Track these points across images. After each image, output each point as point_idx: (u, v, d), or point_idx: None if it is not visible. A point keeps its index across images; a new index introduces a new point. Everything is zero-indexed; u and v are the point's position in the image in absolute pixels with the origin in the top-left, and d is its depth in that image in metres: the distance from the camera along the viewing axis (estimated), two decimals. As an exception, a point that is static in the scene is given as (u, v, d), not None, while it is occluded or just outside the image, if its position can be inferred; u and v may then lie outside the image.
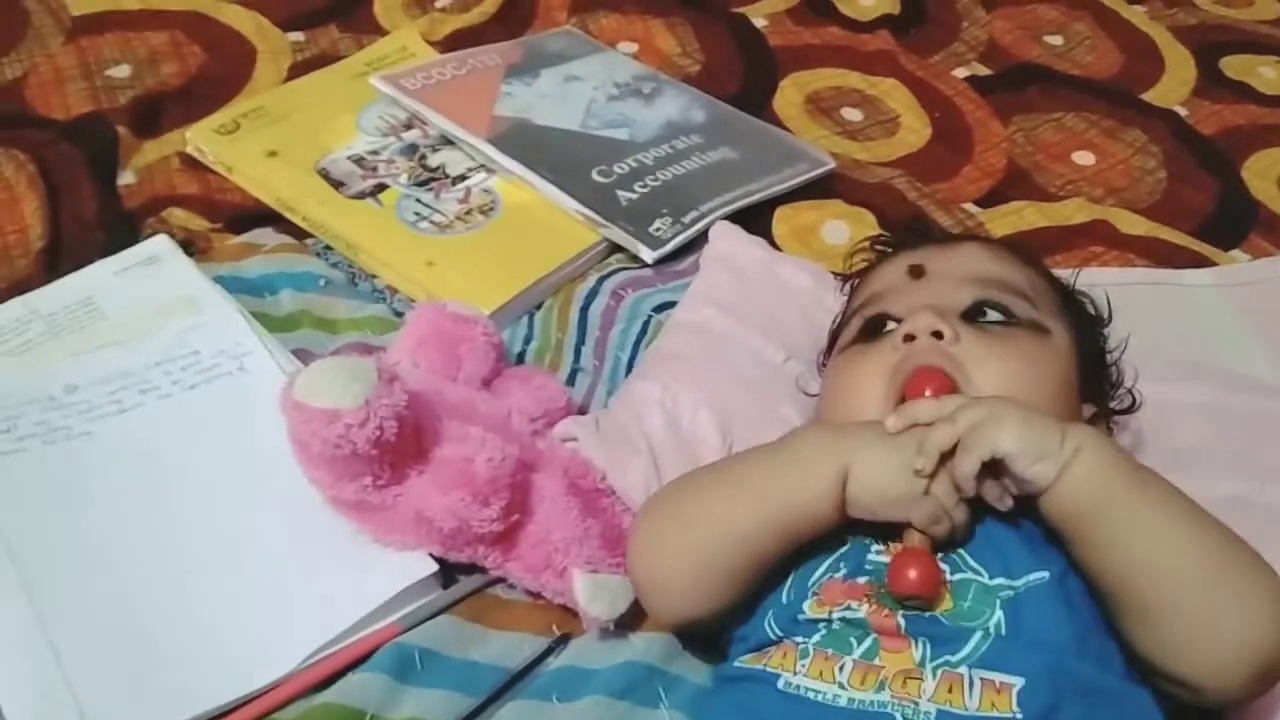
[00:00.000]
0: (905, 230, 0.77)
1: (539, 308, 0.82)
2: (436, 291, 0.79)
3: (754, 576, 0.55)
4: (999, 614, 0.50)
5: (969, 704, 0.47)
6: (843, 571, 0.54)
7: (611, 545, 0.62)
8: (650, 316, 0.80)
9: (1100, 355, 0.67)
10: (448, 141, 0.92)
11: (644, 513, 0.61)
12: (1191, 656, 0.49)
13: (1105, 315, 0.69)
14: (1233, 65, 1.14)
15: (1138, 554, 0.50)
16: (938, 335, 0.58)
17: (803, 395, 0.71)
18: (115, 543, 0.63)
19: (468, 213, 0.87)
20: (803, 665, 0.50)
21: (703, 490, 0.58)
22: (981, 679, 0.48)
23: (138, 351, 0.74)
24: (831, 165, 0.95)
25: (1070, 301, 0.67)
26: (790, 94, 1.06)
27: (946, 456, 0.52)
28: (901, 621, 0.50)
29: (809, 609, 0.53)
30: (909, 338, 0.59)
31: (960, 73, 1.11)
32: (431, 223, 0.86)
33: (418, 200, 0.87)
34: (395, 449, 0.59)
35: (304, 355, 0.75)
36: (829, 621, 0.52)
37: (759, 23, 1.15)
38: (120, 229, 0.85)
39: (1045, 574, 0.51)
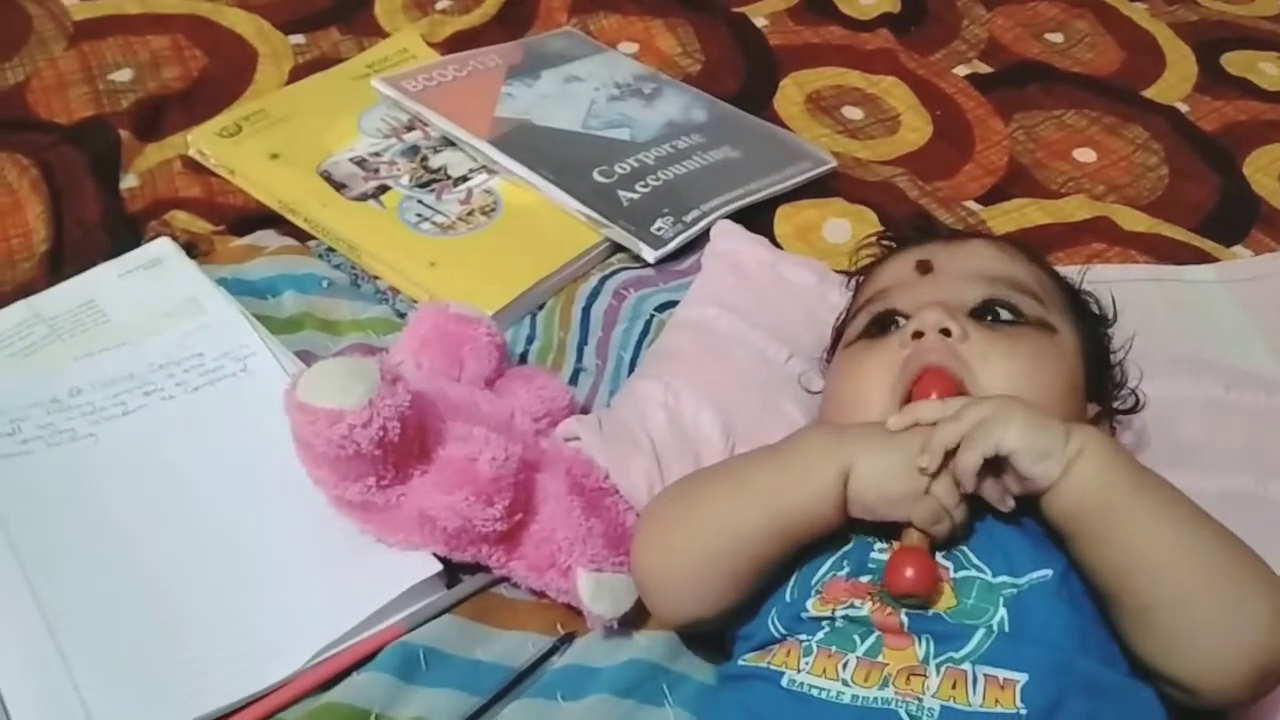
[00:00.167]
0: (911, 226, 0.77)
1: (541, 308, 0.82)
2: (439, 292, 0.79)
3: (757, 577, 0.55)
4: (1002, 611, 0.50)
5: (973, 700, 0.47)
6: (846, 570, 0.54)
7: (615, 544, 0.62)
8: (652, 316, 0.80)
9: (1105, 355, 0.67)
10: (449, 143, 0.93)
11: (647, 513, 0.61)
12: (1190, 658, 0.49)
13: (1110, 314, 0.69)
14: (1234, 61, 1.13)
15: (1138, 555, 0.50)
16: (945, 332, 0.58)
17: (806, 394, 0.71)
18: (120, 544, 0.63)
19: (469, 214, 0.87)
20: (806, 663, 0.51)
21: (706, 491, 0.58)
22: (985, 675, 0.48)
23: (141, 354, 0.74)
24: (833, 164, 0.95)
25: (1076, 301, 0.67)
26: (791, 93, 1.06)
27: (949, 456, 0.52)
28: (905, 619, 0.50)
29: (812, 607, 0.53)
30: (917, 334, 0.59)
31: (961, 71, 1.11)
32: (433, 224, 0.86)
33: (419, 201, 0.87)
34: (399, 449, 0.59)
35: (307, 357, 0.75)
36: (832, 619, 0.52)
37: (759, 22, 1.15)
38: (123, 232, 0.85)
39: (1049, 572, 0.51)
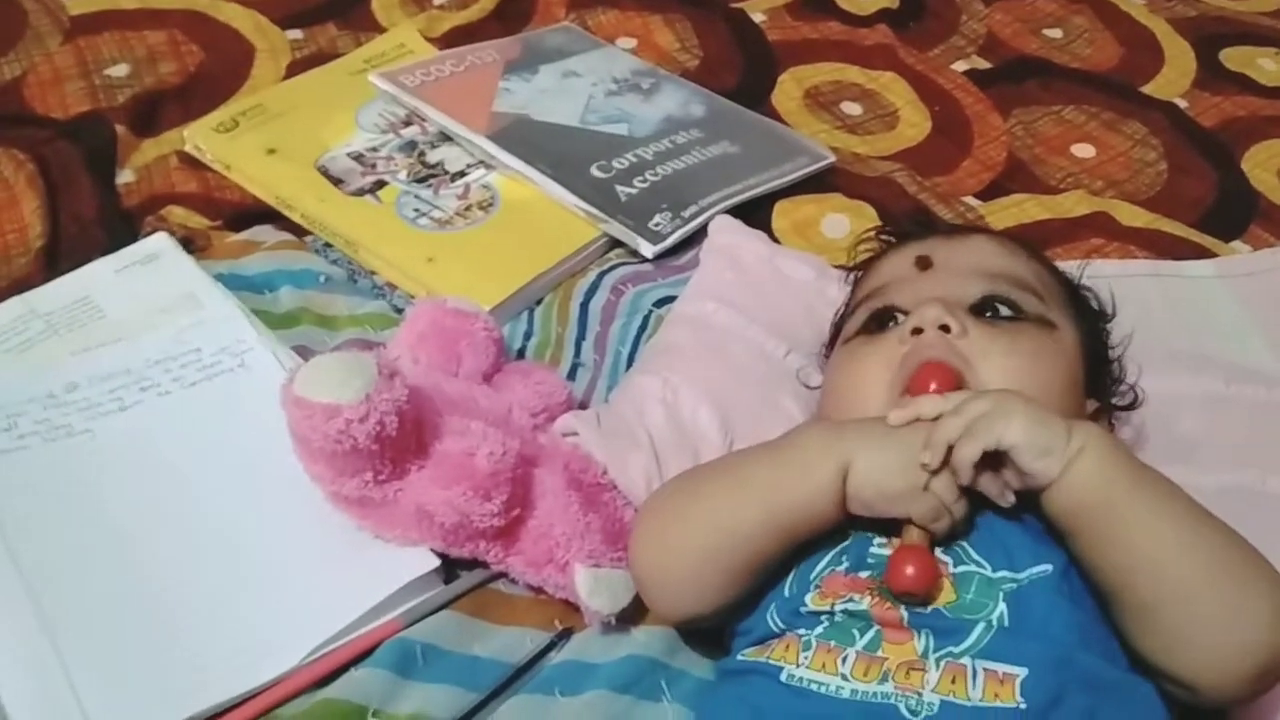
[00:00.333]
0: (911, 221, 0.77)
1: (539, 303, 0.82)
2: (436, 287, 0.79)
3: (756, 573, 0.55)
4: (1001, 606, 0.50)
5: (972, 694, 0.47)
6: (845, 564, 0.54)
7: (613, 540, 0.62)
8: (651, 311, 0.80)
9: (1104, 351, 0.67)
10: (447, 138, 0.92)
11: (646, 510, 0.61)
12: (1190, 655, 0.49)
13: (1110, 310, 0.69)
14: (1232, 57, 1.13)
15: (1138, 552, 0.50)
16: (945, 329, 0.58)
17: (804, 389, 0.71)
18: (116, 540, 0.63)
19: (467, 209, 0.87)
20: (805, 657, 0.50)
21: (705, 488, 0.58)
22: (985, 670, 0.48)
23: (138, 349, 0.74)
24: (831, 159, 0.95)
25: (1076, 297, 0.66)
26: (789, 88, 1.06)
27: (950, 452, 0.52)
28: (904, 614, 0.50)
29: (811, 601, 0.53)
30: (916, 331, 0.58)
31: (959, 66, 1.11)
32: (431, 219, 0.85)
33: (417, 196, 0.87)
34: (396, 444, 0.59)
35: (304, 352, 0.74)
36: (831, 614, 0.52)
37: (757, 18, 1.15)
38: (119, 227, 0.85)
39: (1048, 567, 0.51)
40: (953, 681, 0.48)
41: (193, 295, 0.78)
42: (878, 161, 0.97)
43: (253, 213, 0.87)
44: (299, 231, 0.85)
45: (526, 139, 0.90)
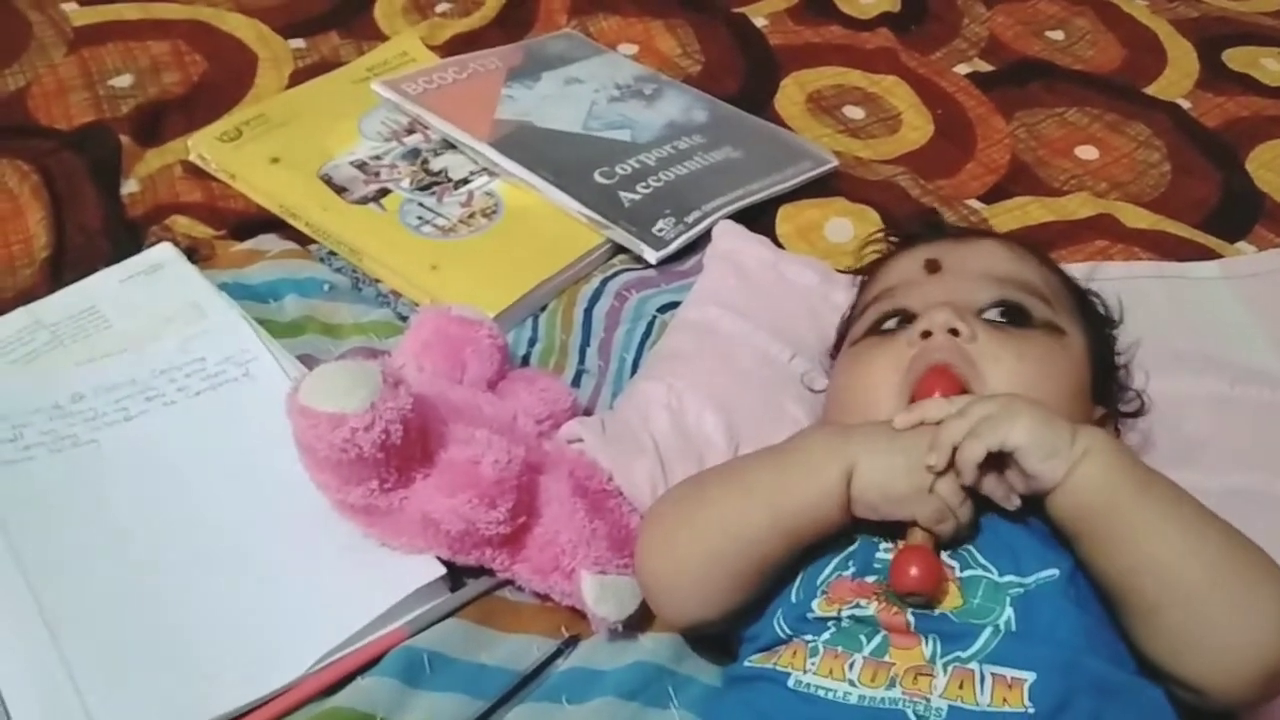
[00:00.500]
0: (920, 224, 0.76)
1: (543, 310, 0.82)
2: (440, 295, 0.79)
3: (762, 578, 0.55)
4: (1009, 611, 0.50)
5: (980, 699, 0.47)
6: (851, 570, 0.53)
7: (619, 546, 0.62)
8: (654, 317, 0.80)
9: (1111, 357, 0.67)
10: (450, 145, 0.92)
11: (652, 516, 0.60)
12: (1197, 659, 0.49)
13: (1117, 316, 0.69)
14: (1235, 57, 1.13)
15: (1144, 555, 0.49)
16: (954, 333, 0.58)
17: (809, 393, 0.71)
18: (123, 550, 0.63)
19: (470, 216, 0.87)
20: (813, 663, 0.50)
21: (710, 494, 0.58)
22: (993, 674, 0.48)
23: (143, 359, 0.74)
24: (834, 163, 0.95)
25: (1084, 303, 0.66)
26: (792, 93, 1.06)
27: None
28: (911, 619, 0.50)
29: (818, 607, 0.52)
30: (925, 334, 0.58)
31: (962, 69, 1.11)
32: (435, 226, 0.86)
33: (420, 204, 0.87)
34: (401, 452, 0.59)
35: (309, 361, 0.74)
36: (838, 619, 0.51)
37: (759, 22, 1.15)
38: (124, 237, 0.85)
39: (1055, 571, 0.51)
40: (960, 686, 0.47)
41: (197, 305, 0.78)
42: (880, 165, 0.97)
43: (257, 222, 0.87)
44: (303, 240, 0.86)
45: (529, 146, 0.90)
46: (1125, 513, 0.50)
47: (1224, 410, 0.72)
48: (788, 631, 0.53)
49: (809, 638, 0.51)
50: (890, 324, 0.62)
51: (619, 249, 0.86)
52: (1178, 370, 0.73)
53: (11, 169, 0.90)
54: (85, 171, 0.90)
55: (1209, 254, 0.89)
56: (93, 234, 0.85)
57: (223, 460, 0.68)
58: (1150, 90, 1.09)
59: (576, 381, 0.76)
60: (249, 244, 0.85)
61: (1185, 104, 1.07)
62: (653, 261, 0.83)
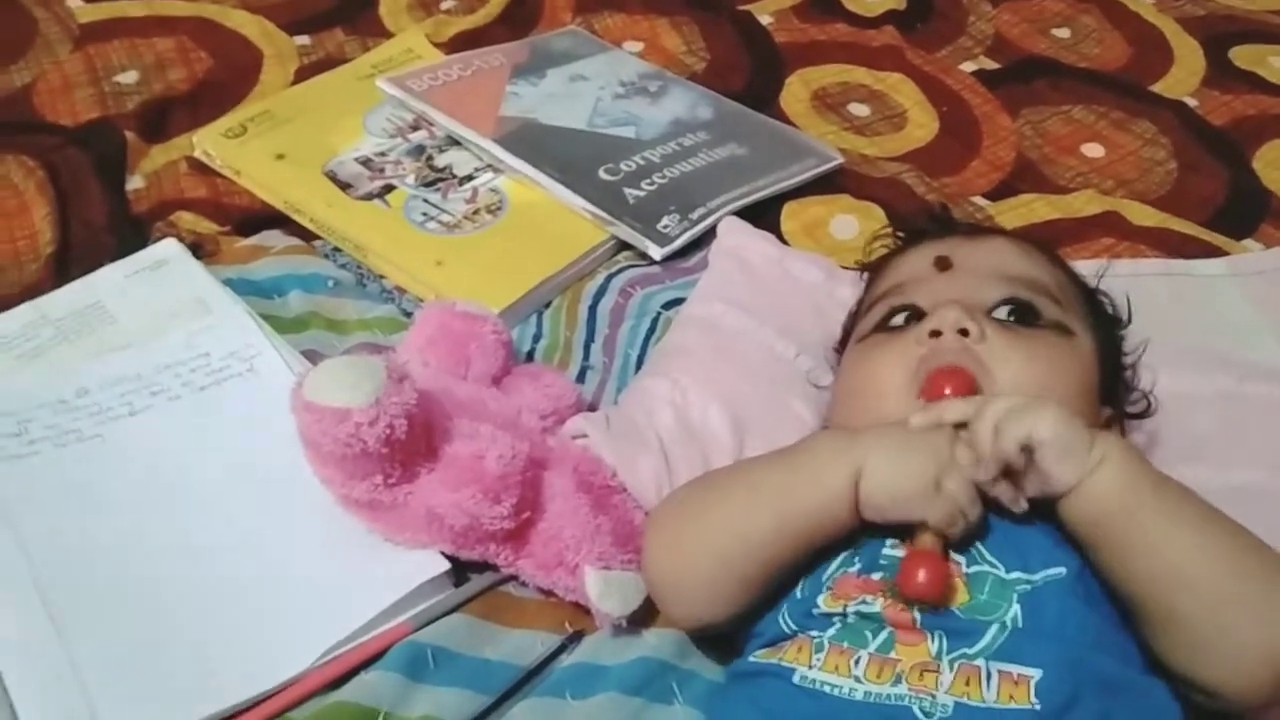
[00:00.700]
0: (930, 219, 0.76)
1: (548, 306, 0.82)
2: (445, 291, 0.79)
3: (769, 580, 0.55)
4: (1016, 607, 0.49)
5: (987, 696, 0.47)
6: (857, 566, 0.53)
7: (623, 542, 0.62)
8: (659, 313, 0.80)
9: (1119, 358, 0.66)
10: (454, 142, 0.92)
11: (658, 515, 0.60)
12: (1213, 664, 0.49)
13: (1125, 316, 0.68)
14: (1242, 55, 1.13)
15: (1159, 562, 0.49)
16: (964, 332, 0.58)
17: (814, 390, 0.71)
18: (127, 544, 0.63)
19: (475, 212, 0.87)
20: (818, 659, 0.50)
21: (716, 494, 0.57)
22: (999, 671, 0.48)
23: (148, 354, 0.74)
24: (839, 160, 0.95)
25: (1093, 303, 0.66)
26: (797, 90, 1.05)
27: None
28: (917, 615, 0.50)
29: (823, 603, 0.52)
30: (935, 333, 0.58)
31: (967, 67, 1.10)
32: (439, 223, 0.85)
33: (425, 201, 0.87)
34: (406, 447, 0.59)
35: (313, 356, 0.74)
36: (844, 615, 0.51)
37: (764, 20, 1.15)
38: (129, 233, 0.85)
39: (1063, 569, 0.51)
40: (967, 683, 0.47)
41: (202, 300, 0.78)
42: (886, 162, 0.97)
43: (261, 218, 0.87)
44: (308, 236, 0.86)
45: (534, 143, 0.90)
46: (1140, 520, 0.50)
47: (1231, 407, 0.72)
48: (793, 627, 0.53)
49: (814, 633, 0.51)
50: (898, 320, 0.62)
51: (624, 245, 0.86)
52: (1185, 367, 0.72)
53: (17, 165, 0.90)
54: (90, 167, 0.90)
55: (1215, 251, 0.89)
56: (98, 230, 0.85)
57: (227, 455, 0.68)
58: (1156, 88, 1.08)
59: (581, 378, 0.76)
60: (254, 240, 0.85)
61: (1192, 102, 1.07)
62: (657, 258, 0.83)
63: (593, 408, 0.73)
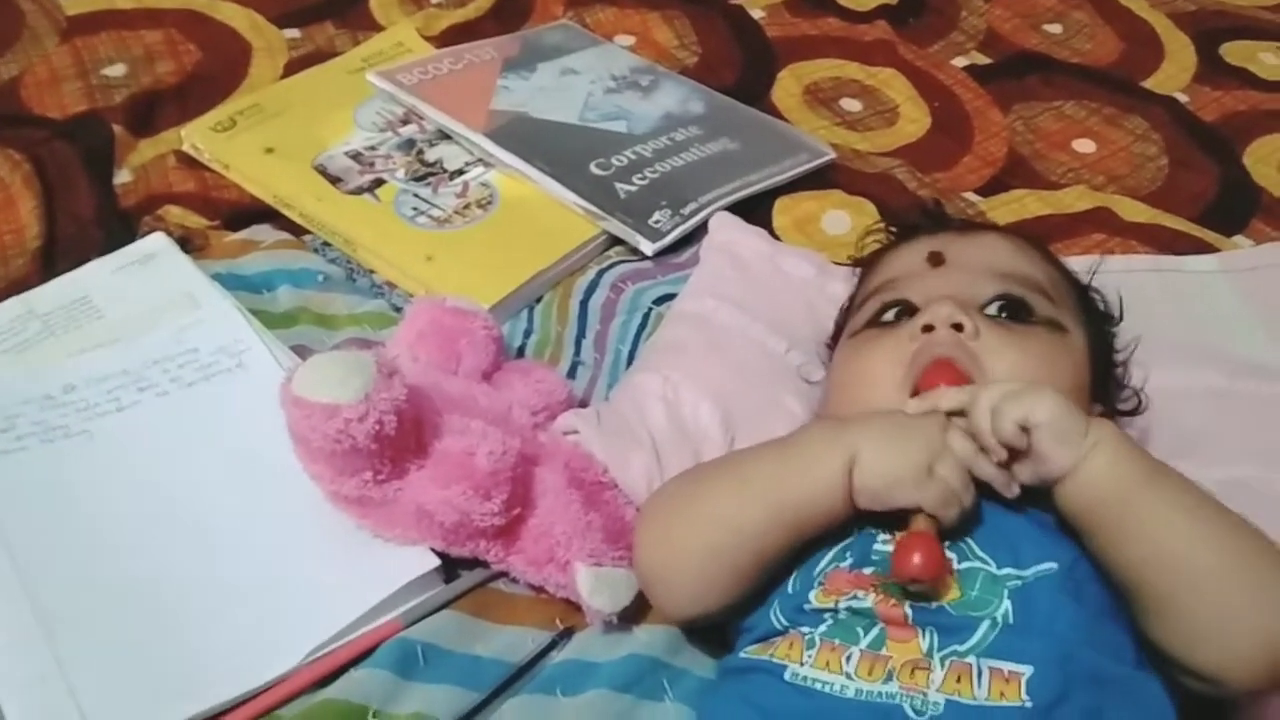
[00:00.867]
0: (922, 214, 0.76)
1: (539, 301, 0.81)
2: (435, 286, 0.78)
3: (763, 571, 0.55)
4: (1007, 603, 0.49)
5: (978, 693, 0.47)
6: (849, 561, 0.53)
7: (614, 538, 0.62)
8: (650, 309, 0.79)
9: (1111, 355, 0.67)
10: (445, 136, 0.92)
11: (649, 509, 0.60)
12: (1210, 649, 0.49)
13: (1117, 313, 0.69)
14: (1233, 51, 1.13)
15: (1155, 546, 0.49)
16: (957, 328, 0.58)
17: (806, 385, 0.71)
18: (114, 541, 0.63)
19: (466, 207, 0.86)
20: (809, 656, 0.50)
21: (709, 486, 0.57)
22: (990, 668, 0.48)
23: (135, 349, 0.73)
24: (831, 156, 0.95)
25: (1085, 299, 0.66)
26: (789, 85, 1.05)
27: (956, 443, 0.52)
28: (909, 611, 0.50)
29: (815, 599, 0.52)
30: (927, 328, 0.58)
31: (959, 62, 1.10)
32: (430, 217, 0.85)
33: (415, 195, 0.87)
34: (395, 443, 0.59)
35: (303, 351, 0.74)
36: (835, 611, 0.51)
37: (756, 14, 1.15)
38: (117, 227, 0.84)
39: (1054, 564, 0.51)
40: (958, 680, 0.47)
41: (190, 295, 0.77)
42: (878, 158, 0.97)
43: (250, 212, 0.86)
44: (297, 230, 0.85)
45: (525, 137, 0.90)
46: (1136, 504, 0.50)
47: (1221, 403, 0.72)
48: (784, 623, 0.53)
49: (806, 629, 0.51)
50: (890, 315, 0.62)
51: (615, 240, 0.85)
52: (1175, 363, 0.72)
53: (3, 158, 0.89)
54: (78, 161, 0.89)
55: (1206, 248, 0.89)
56: (85, 224, 0.85)
57: (216, 451, 0.67)
58: (1148, 84, 1.08)
59: (572, 373, 0.76)
60: (243, 234, 0.85)
61: (1183, 98, 1.07)
62: (649, 253, 0.83)
63: (584, 403, 0.73)
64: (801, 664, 0.50)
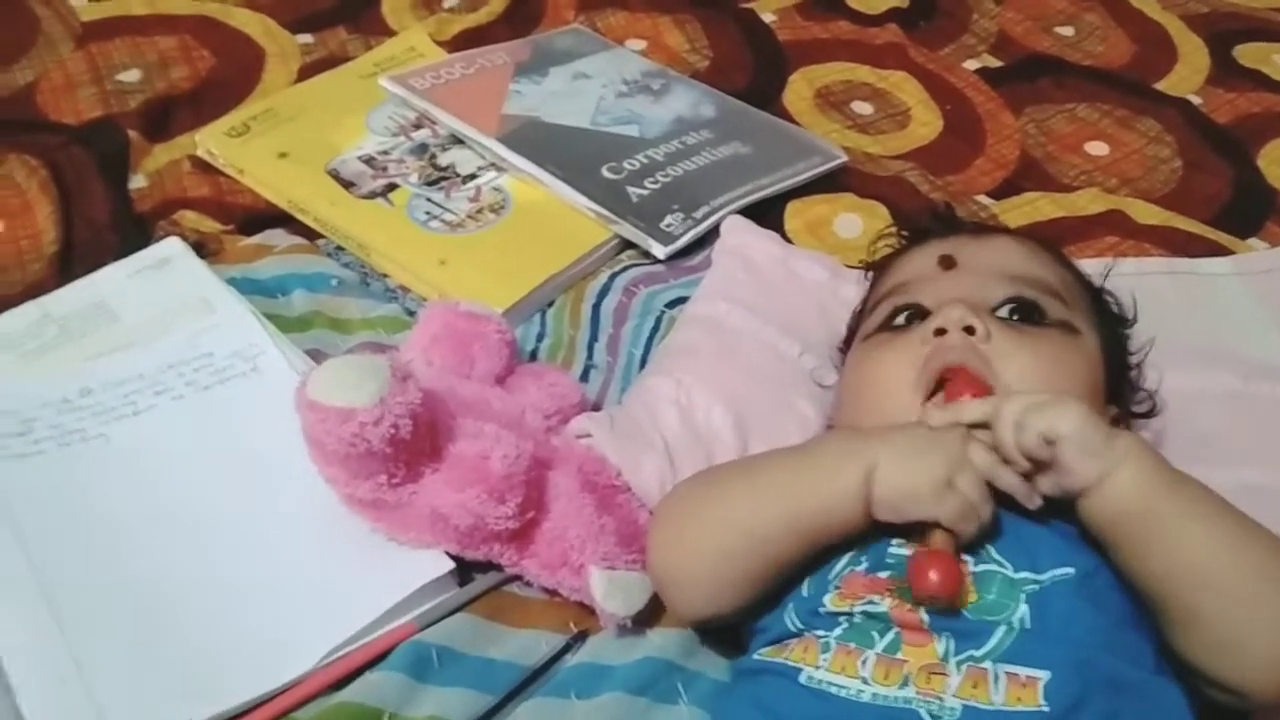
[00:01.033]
0: (934, 218, 0.76)
1: (551, 305, 0.82)
2: (449, 290, 0.79)
3: (776, 575, 0.55)
4: (1023, 608, 0.49)
5: (995, 699, 0.47)
6: (864, 565, 0.53)
7: (627, 541, 0.62)
8: (663, 312, 0.80)
9: (1125, 357, 0.66)
10: (457, 140, 0.92)
11: (662, 511, 0.60)
12: (1237, 662, 0.49)
13: (1130, 315, 0.68)
14: (1246, 53, 1.13)
15: (1180, 560, 0.49)
16: (969, 331, 0.57)
17: (818, 389, 0.71)
18: (131, 544, 0.63)
19: (478, 211, 0.86)
20: (824, 659, 0.50)
21: (722, 489, 0.57)
22: (1007, 673, 0.47)
23: (151, 353, 0.74)
24: (843, 159, 0.95)
25: (1099, 302, 0.66)
26: (800, 88, 1.05)
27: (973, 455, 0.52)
28: (924, 616, 0.50)
29: (830, 602, 0.52)
30: (940, 331, 0.58)
31: (971, 65, 1.10)
32: (442, 222, 0.85)
33: (428, 199, 0.87)
34: (410, 447, 0.59)
35: (317, 356, 0.74)
36: (850, 615, 0.51)
37: (767, 18, 1.15)
38: (132, 232, 0.85)
39: (1071, 569, 0.51)
40: (974, 686, 0.47)
41: (205, 299, 0.78)
42: (889, 161, 0.97)
43: (264, 216, 0.87)
44: (311, 235, 0.85)
45: (537, 141, 0.90)
46: (1161, 518, 0.50)
47: (1236, 406, 0.72)
48: (799, 625, 0.53)
49: (820, 633, 0.51)
50: (902, 319, 0.62)
51: (627, 244, 0.85)
52: (1190, 366, 0.72)
53: (20, 164, 0.90)
54: (93, 166, 0.90)
55: (1220, 250, 0.89)
56: (101, 228, 0.85)
57: (231, 455, 0.68)
58: (1161, 86, 1.08)
59: (585, 377, 0.76)
60: (257, 239, 0.85)
61: (1196, 100, 1.06)
62: (661, 257, 0.83)
63: (597, 407, 0.73)
64: (817, 667, 0.50)
